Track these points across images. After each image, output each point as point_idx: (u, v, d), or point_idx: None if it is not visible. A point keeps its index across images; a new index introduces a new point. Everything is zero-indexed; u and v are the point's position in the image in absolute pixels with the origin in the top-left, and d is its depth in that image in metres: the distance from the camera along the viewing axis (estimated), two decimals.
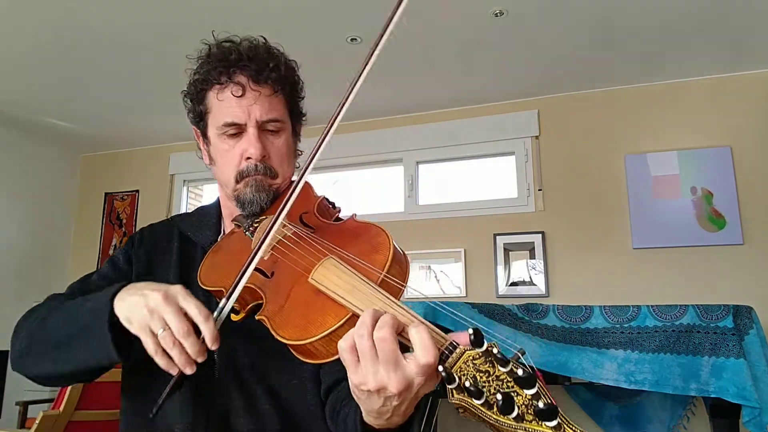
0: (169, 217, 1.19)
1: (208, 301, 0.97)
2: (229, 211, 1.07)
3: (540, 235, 3.52)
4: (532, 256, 3.51)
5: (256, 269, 0.82)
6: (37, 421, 2.02)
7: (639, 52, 3.15)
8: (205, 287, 0.90)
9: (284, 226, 0.86)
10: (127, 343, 0.81)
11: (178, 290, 0.77)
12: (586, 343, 2.16)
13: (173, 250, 1.07)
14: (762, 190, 3.20)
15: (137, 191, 4.59)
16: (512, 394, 0.53)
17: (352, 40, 3.02)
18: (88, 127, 4.27)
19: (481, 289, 3.58)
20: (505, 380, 0.54)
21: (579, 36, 2.99)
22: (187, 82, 1.04)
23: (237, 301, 0.84)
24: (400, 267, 0.72)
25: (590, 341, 2.16)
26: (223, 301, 0.78)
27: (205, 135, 1.04)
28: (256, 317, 0.77)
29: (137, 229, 1.17)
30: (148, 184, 4.56)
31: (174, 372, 0.75)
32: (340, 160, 4.05)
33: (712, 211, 3.23)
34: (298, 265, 0.78)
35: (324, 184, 4.18)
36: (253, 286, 0.82)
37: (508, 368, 0.55)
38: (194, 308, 0.76)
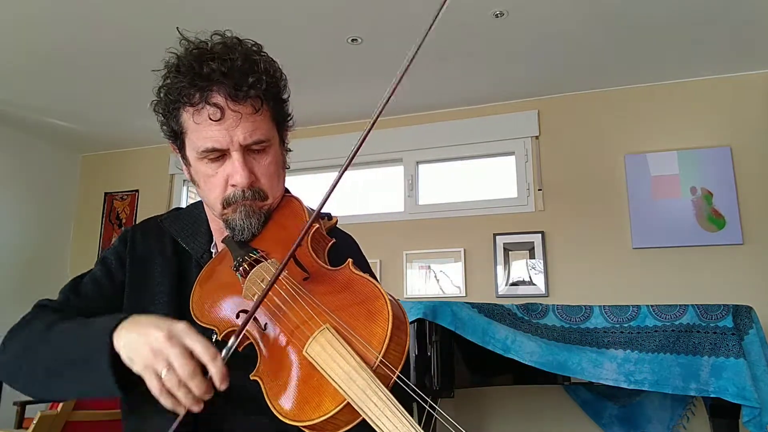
0: (158, 218, 1.10)
1: (202, 331, 0.96)
2: (217, 226, 1.01)
3: (540, 234, 3.51)
4: (532, 256, 3.51)
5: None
6: (34, 422, 2.01)
7: (639, 52, 3.15)
8: (198, 322, 0.87)
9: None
10: (128, 376, 0.77)
11: (182, 328, 0.73)
12: (585, 343, 2.15)
13: (167, 257, 1.02)
14: (762, 190, 3.20)
15: (137, 191, 4.59)
16: None
17: (352, 40, 3.02)
18: (88, 127, 4.26)
19: (481, 288, 3.58)
20: None
21: (579, 36, 2.98)
22: (156, 92, 0.93)
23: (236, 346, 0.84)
24: (399, 337, 0.69)
25: (590, 341, 2.16)
26: (232, 339, 0.75)
27: (183, 155, 0.95)
28: (251, 377, 0.76)
29: (132, 227, 1.09)
30: (147, 184, 4.56)
31: (180, 412, 0.71)
32: (340, 160, 4.04)
33: (711, 211, 3.23)
34: (291, 322, 0.76)
35: (324, 184, 4.18)
36: (247, 334, 0.80)
37: None
38: (201, 347, 0.71)
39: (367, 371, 0.66)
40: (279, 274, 0.77)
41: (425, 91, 3.68)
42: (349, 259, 0.81)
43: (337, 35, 2.98)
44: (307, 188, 3.86)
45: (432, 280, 3.69)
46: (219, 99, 0.86)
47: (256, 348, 0.79)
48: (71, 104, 3.86)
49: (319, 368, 0.68)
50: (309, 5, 2.71)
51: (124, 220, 4.55)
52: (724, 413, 2.08)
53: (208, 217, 1.05)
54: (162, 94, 0.91)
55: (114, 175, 4.68)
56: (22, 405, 3.01)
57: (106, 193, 4.67)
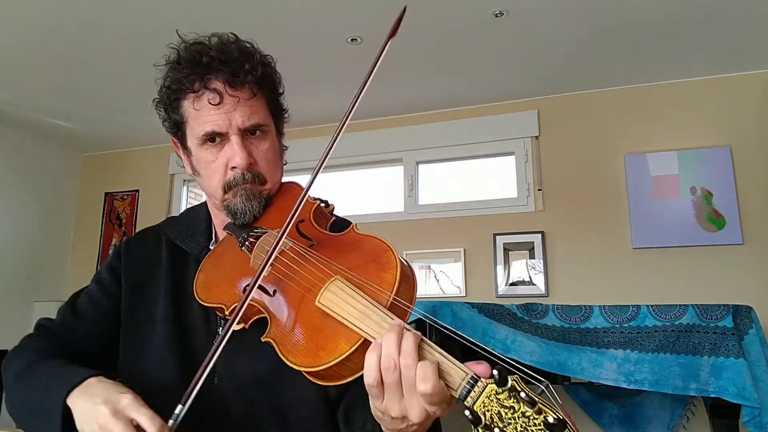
0: (155, 225, 1.12)
1: (207, 315, 0.96)
2: (220, 220, 1.03)
3: (540, 234, 3.52)
4: (532, 256, 3.51)
5: (258, 286, 0.81)
6: None
7: (639, 52, 3.15)
8: (204, 303, 0.88)
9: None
10: None
11: (127, 403, 0.75)
12: (585, 343, 2.16)
13: (162, 260, 1.03)
14: (761, 190, 3.20)
15: (137, 191, 4.59)
16: None
17: (352, 40, 3.02)
18: (88, 127, 4.26)
19: (481, 288, 3.58)
20: (531, 418, 0.52)
21: (579, 36, 2.99)
22: (158, 89, 0.98)
23: (243, 318, 0.83)
24: (407, 284, 0.70)
25: (590, 341, 2.16)
26: (179, 407, 0.72)
27: (184, 145, 0.99)
28: (263, 339, 0.76)
29: (128, 237, 1.12)
30: (148, 183, 4.56)
31: None
32: (341, 160, 4.05)
33: (711, 211, 3.23)
34: (301, 285, 0.76)
35: (324, 184, 4.18)
36: (255, 304, 0.80)
37: (536, 408, 0.52)
38: (147, 420, 0.72)
39: (381, 307, 0.66)
40: (284, 233, 0.78)
41: (425, 91, 3.68)
42: (354, 223, 0.83)
43: (337, 35, 2.98)
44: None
45: (432, 280, 3.69)
46: (218, 84, 0.91)
47: (267, 315, 0.79)
48: (72, 104, 3.86)
49: (332, 314, 0.68)
50: (309, 5, 2.71)
51: (124, 220, 4.55)
52: (724, 413, 2.08)
53: (211, 213, 1.07)
54: (164, 86, 0.96)
55: (114, 175, 4.68)
56: None
57: (106, 193, 4.68)
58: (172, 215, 1.20)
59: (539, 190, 3.60)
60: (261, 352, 0.86)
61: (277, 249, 0.78)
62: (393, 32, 0.85)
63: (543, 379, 0.57)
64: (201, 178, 0.99)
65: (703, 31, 2.91)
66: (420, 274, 3.72)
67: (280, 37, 2.97)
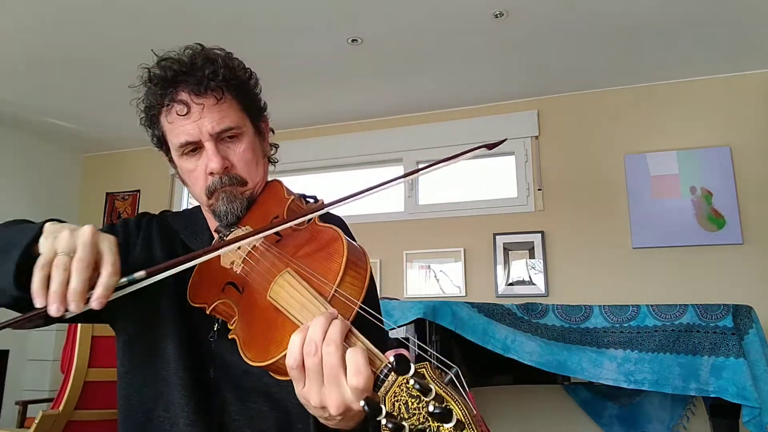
0: (162, 214, 1.13)
1: (208, 322, 0.96)
2: (212, 223, 1.05)
3: (539, 234, 3.52)
4: (532, 256, 3.51)
5: (231, 284, 0.83)
6: (36, 421, 2.02)
7: (639, 52, 3.15)
8: (192, 303, 0.90)
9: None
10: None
11: (111, 238, 0.72)
12: (585, 343, 2.16)
13: (177, 251, 1.04)
14: (761, 190, 3.20)
15: (138, 191, 4.60)
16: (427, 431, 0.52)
17: (352, 40, 3.02)
18: (89, 128, 4.27)
19: (481, 288, 3.59)
20: (425, 408, 0.52)
21: (579, 36, 2.99)
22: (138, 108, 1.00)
23: (221, 315, 0.85)
24: (355, 273, 0.70)
25: (590, 341, 2.16)
26: (140, 273, 0.71)
27: (170, 158, 1.03)
28: (229, 336, 0.76)
29: (150, 216, 1.11)
30: (148, 184, 4.57)
31: (38, 304, 0.66)
32: (340, 160, 4.05)
33: (711, 211, 3.23)
34: (261, 280, 0.77)
35: (324, 184, 4.18)
36: (229, 302, 0.82)
37: (431, 397, 0.52)
38: (111, 258, 0.69)
39: (322, 300, 0.66)
40: (259, 233, 0.78)
41: (425, 91, 3.69)
42: (316, 216, 0.83)
43: (337, 35, 2.99)
44: (307, 188, 3.85)
45: (432, 279, 3.70)
46: (183, 95, 0.94)
47: (236, 313, 0.80)
48: (73, 105, 3.86)
49: (280, 308, 0.69)
50: (309, 5, 2.71)
51: None
52: (724, 413, 2.08)
53: (205, 216, 1.09)
54: (143, 106, 1.01)
55: (115, 176, 4.69)
56: (24, 404, 3.02)
57: (107, 193, 4.68)
58: (170, 210, 1.21)
59: (539, 190, 3.60)
60: None
61: (242, 240, 0.78)
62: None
63: (453, 366, 0.56)
64: (189, 187, 1.03)
65: (703, 31, 2.91)
66: (420, 274, 3.72)
67: (280, 37, 2.97)
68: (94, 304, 0.67)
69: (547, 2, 2.69)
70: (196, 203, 1.11)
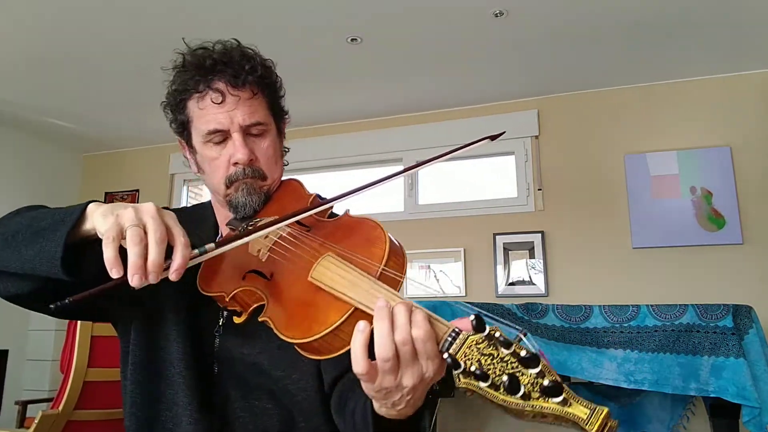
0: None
1: (212, 317, 0.97)
2: (223, 216, 1.06)
3: (539, 234, 3.52)
4: (532, 256, 3.51)
5: (255, 272, 0.83)
6: (36, 421, 2.02)
7: (639, 52, 3.15)
8: (205, 293, 0.89)
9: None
10: (78, 261, 0.75)
11: (172, 214, 0.74)
12: (585, 343, 2.16)
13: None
14: (761, 190, 3.20)
15: (137, 191, 4.60)
16: (517, 374, 0.55)
17: (352, 40, 3.02)
18: (89, 127, 4.27)
19: (481, 288, 3.59)
20: (509, 361, 0.56)
21: (579, 36, 2.99)
22: (165, 93, 1.03)
23: (239, 303, 0.85)
24: (397, 259, 0.73)
25: (590, 341, 2.16)
26: (210, 245, 0.73)
27: (190, 144, 1.04)
28: (260, 319, 0.77)
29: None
30: (148, 183, 4.56)
31: (115, 274, 0.66)
32: (340, 159, 4.05)
33: (711, 211, 3.23)
34: (296, 265, 0.79)
35: (324, 184, 4.18)
36: (254, 289, 0.82)
37: (511, 350, 0.56)
38: (179, 230, 0.71)
39: (371, 277, 0.69)
40: (286, 219, 0.79)
41: (425, 91, 3.68)
42: (348, 208, 0.87)
43: (337, 35, 2.99)
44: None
45: (432, 279, 3.69)
46: (220, 85, 0.96)
47: (264, 299, 0.80)
48: (72, 105, 3.86)
49: (324, 286, 0.70)
50: (309, 5, 2.71)
51: None
52: (724, 413, 2.08)
53: (215, 210, 1.10)
54: (171, 89, 1.02)
55: (115, 175, 4.69)
56: (24, 404, 3.02)
57: (106, 193, 4.68)
58: (175, 207, 1.23)
59: (539, 189, 3.60)
60: (259, 342, 0.93)
61: (276, 226, 0.80)
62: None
63: (520, 328, 0.60)
64: (206, 176, 1.03)
65: (702, 31, 2.91)
66: (420, 274, 3.72)
67: (280, 37, 2.97)
68: (174, 275, 0.68)
69: (547, 2, 2.69)
70: (196, 203, 1.11)
